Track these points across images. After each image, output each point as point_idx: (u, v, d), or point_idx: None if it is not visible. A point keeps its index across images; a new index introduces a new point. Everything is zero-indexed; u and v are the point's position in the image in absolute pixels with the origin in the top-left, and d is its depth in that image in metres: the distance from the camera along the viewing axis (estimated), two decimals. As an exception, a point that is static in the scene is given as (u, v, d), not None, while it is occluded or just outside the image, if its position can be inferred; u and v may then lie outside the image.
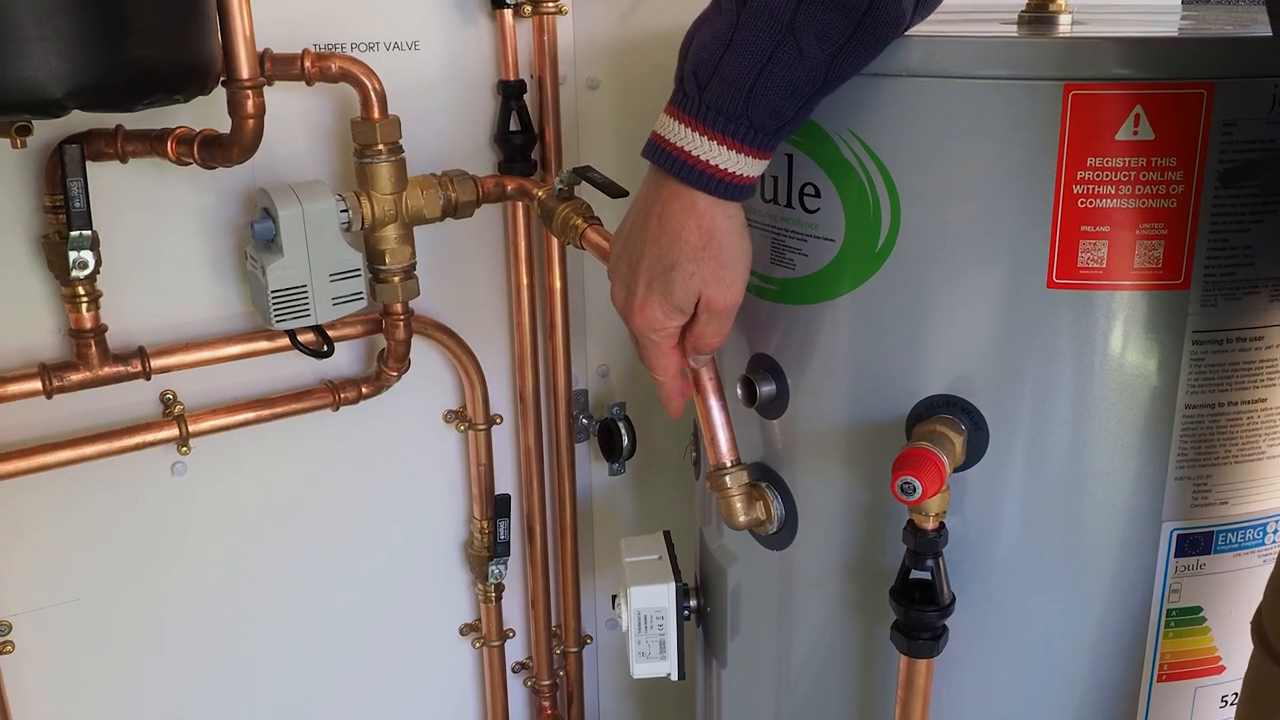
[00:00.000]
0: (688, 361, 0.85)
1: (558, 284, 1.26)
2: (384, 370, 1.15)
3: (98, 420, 1.06)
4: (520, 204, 1.21)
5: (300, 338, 1.09)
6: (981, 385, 0.81)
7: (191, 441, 1.09)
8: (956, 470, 0.82)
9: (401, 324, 1.12)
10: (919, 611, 0.82)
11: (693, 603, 1.11)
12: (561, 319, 1.28)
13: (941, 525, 0.80)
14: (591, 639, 1.42)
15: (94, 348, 1.01)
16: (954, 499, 0.82)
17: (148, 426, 1.07)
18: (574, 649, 1.39)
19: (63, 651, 1.11)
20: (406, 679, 1.33)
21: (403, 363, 1.15)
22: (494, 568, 1.28)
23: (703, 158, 0.73)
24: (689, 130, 0.73)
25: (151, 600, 1.14)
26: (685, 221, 0.76)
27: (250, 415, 1.11)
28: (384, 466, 1.24)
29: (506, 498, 1.27)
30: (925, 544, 0.80)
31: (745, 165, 0.74)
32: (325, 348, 1.09)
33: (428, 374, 1.24)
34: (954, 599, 0.83)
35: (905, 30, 0.76)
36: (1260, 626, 0.71)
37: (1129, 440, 0.81)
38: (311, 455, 1.20)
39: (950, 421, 0.81)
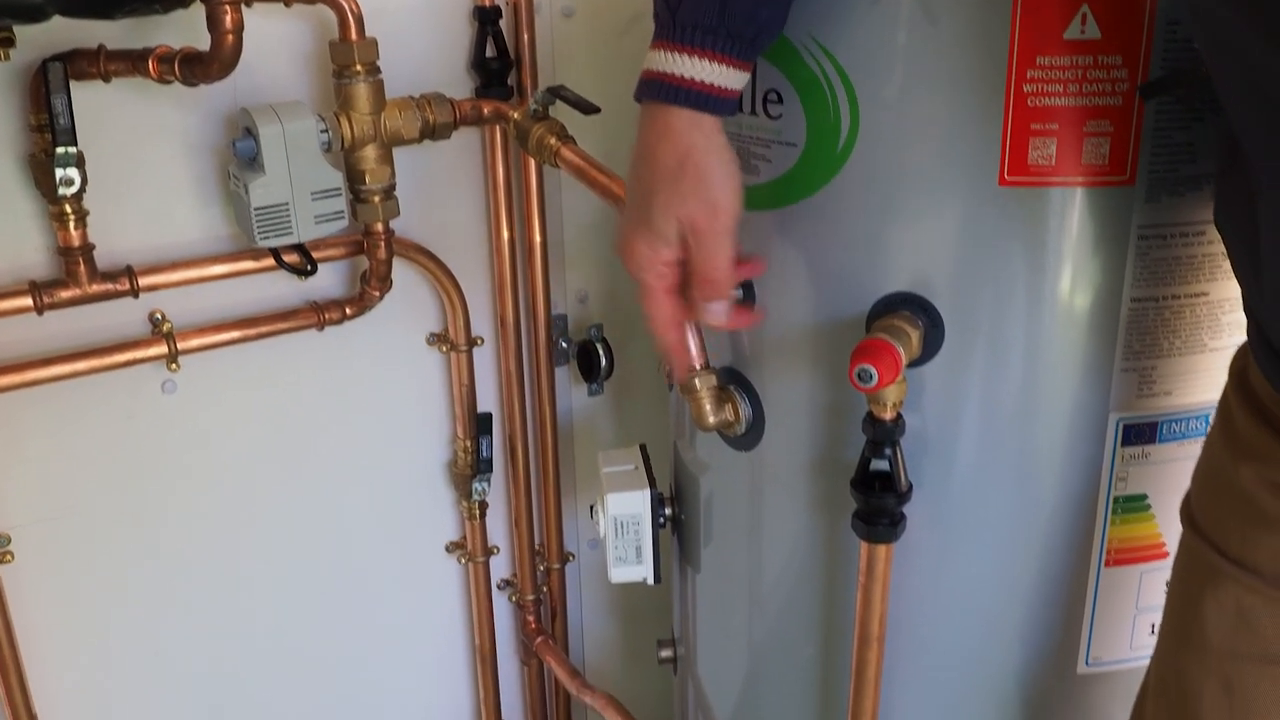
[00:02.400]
0: (698, 315, 0.81)
1: (535, 210, 1.29)
2: (367, 290, 1.19)
3: (89, 339, 1.09)
4: (498, 130, 1.24)
5: (284, 258, 1.12)
6: (937, 282, 0.84)
7: (181, 359, 1.12)
8: (914, 365, 0.85)
9: (383, 244, 1.15)
10: (878, 498, 0.86)
11: (668, 511, 1.15)
12: (540, 245, 1.30)
13: (899, 416, 0.84)
14: (574, 556, 1.47)
15: (83, 265, 1.04)
16: (913, 396, 0.86)
17: (137, 344, 1.10)
18: (557, 566, 1.43)
19: (61, 562, 1.14)
20: (395, 595, 1.37)
21: (385, 282, 1.18)
22: (477, 485, 1.31)
23: (674, 73, 0.75)
24: (666, 53, 0.75)
25: (146, 514, 1.18)
26: (661, 145, 0.76)
27: (237, 334, 1.15)
28: (369, 388, 1.28)
29: (488, 415, 1.31)
30: (883, 433, 0.84)
31: (720, 75, 0.75)
32: (309, 266, 1.12)
33: (410, 297, 1.27)
34: (911, 487, 0.87)
35: None
36: (1188, 508, 0.76)
37: (1077, 333, 0.85)
38: (298, 375, 1.23)
39: (907, 317, 0.84)
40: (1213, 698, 0.71)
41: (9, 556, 1.10)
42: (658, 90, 0.75)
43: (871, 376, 0.78)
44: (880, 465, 0.86)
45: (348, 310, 1.19)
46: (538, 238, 1.30)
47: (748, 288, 0.94)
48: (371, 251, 1.15)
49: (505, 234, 1.28)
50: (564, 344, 1.37)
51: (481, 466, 1.31)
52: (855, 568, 0.90)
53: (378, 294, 1.19)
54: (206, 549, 1.23)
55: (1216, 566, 0.71)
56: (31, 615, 1.13)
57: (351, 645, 1.36)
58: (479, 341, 1.30)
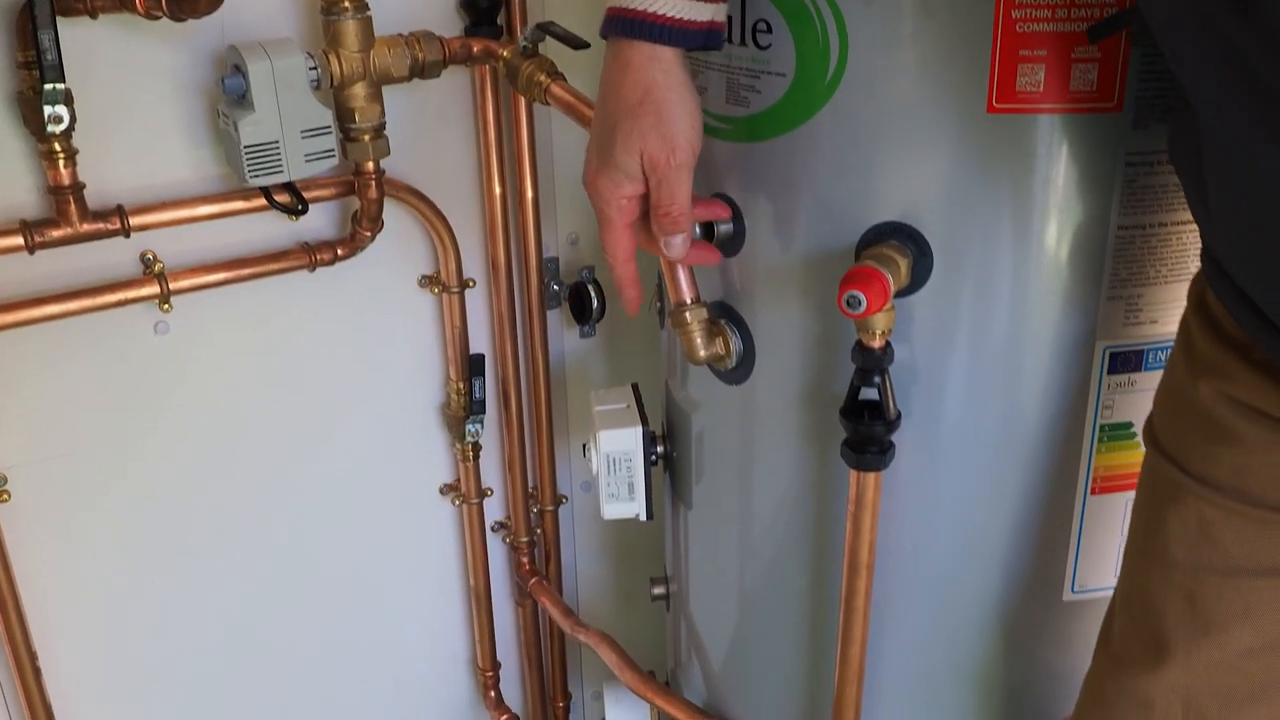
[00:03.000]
0: (659, 248, 0.83)
1: (526, 152, 1.29)
2: (358, 231, 1.19)
3: (81, 279, 1.09)
4: (488, 70, 1.23)
5: (275, 198, 1.12)
6: (926, 211, 0.85)
7: (173, 300, 1.12)
8: (903, 294, 0.86)
9: (373, 183, 1.15)
10: (867, 427, 0.87)
11: (660, 449, 1.16)
12: (531, 187, 1.30)
13: (887, 345, 0.85)
14: (567, 499, 1.48)
15: (73, 204, 1.04)
16: (902, 326, 0.87)
17: (130, 284, 1.10)
18: (550, 508, 1.44)
19: (58, 501, 1.15)
20: (390, 537, 1.39)
21: (376, 223, 1.18)
22: (470, 426, 1.32)
23: (631, 6, 0.76)
24: None
25: (140, 455, 1.19)
26: (623, 80, 0.77)
27: (229, 275, 1.15)
28: (361, 330, 1.28)
29: (481, 357, 1.31)
30: (872, 361, 0.85)
31: (676, 6, 0.76)
32: (299, 205, 1.12)
33: (401, 239, 1.27)
34: (899, 415, 0.88)
35: None
36: (1150, 428, 0.78)
37: (1064, 262, 0.85)
38: (290, 317, 1.23)
39: (896, 246, 0.85)
40: (1177, 611, 0.73)
41: (5, 496, 1.11)
42: (617, 25, 0.77)
43: (860, 303, 0.79)
44: (869, 394, 0.87)
45: (339, 251, 1.20)
46: (528, 180, 1.29)
47: (738, 220, 0.94)
48: (362, 191, 1.15)
49: (496, 175, 1.27)
50: (556, 286, 1.38)
51: (474, 408, 1.31)
52: (845, 498, 0.91)
53: (369, 234, 1.19)
54: (200, 490, 1.24)
55: (1179, 483, 0.72)
56: (29, 554, 1.14)
57: (347, 586, 1.38)
58: (471, 284, 1.30)
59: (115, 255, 1.10)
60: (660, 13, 0.76)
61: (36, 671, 1.16)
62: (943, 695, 1.02)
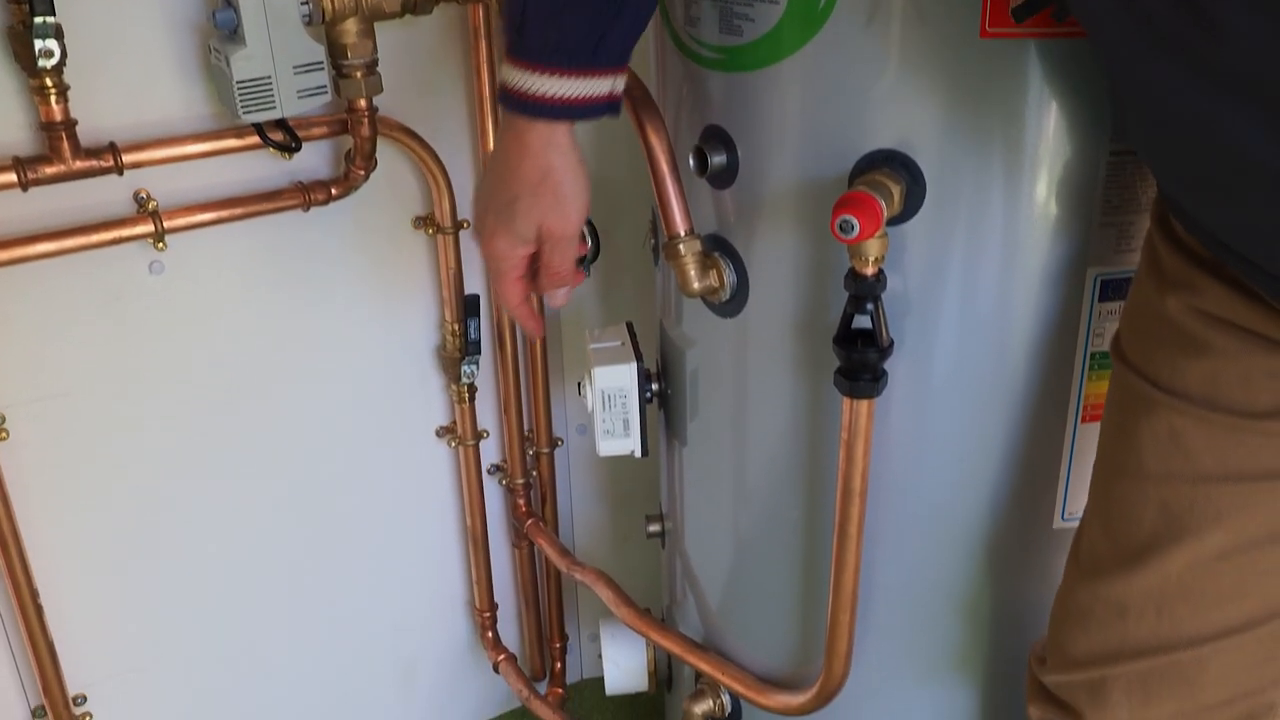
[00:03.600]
0: (544, 296, 0.93)
1: (520, 91, 1.28)
2: (352, 170, 1.18)
3: (75, 218, 1.09)
4: (480, 8, 1.23)
5: (269, 135, 1.11)
6: (918, 139, 0.85)
7: (168, 239, 1.12)
8: (896, 222, 0.86)
9: (366, 120, 1.14)
10: (860, 354, 0.87)
11: (655, 386, 1.17)
12: (525, 129, 1.30)
13: (880, 272, 0.85)
14: (563, 441, 1.49)
15: (65, 141, 1.03)
16: (895, 255, 0.87)
17: (124, 222, 1.10)
18: (546, 450, 1.45)
19: (56, 441, 1.16)
20: (387, 479, 1.40)
21: (369, 161, 1.18)
22: (466, 367, 1.33)
23: (526, 89, 0.79)
24: (516, 70, 0.80)
25: (137, 394, 1.19)
26: (523, 159, 0.83)
27: (223, 213, 1.15)
28: (356, 271, 1.28)
29: (475, 298, 1.32)
30: (865, 288, 0.85)
31: (572, 87, 0.79)
32: (293, 143, 1.12)
33: (396, 180, 1.27)
34: (892, 342, 0.88)
35: None
36: (1118, 344, 0.80)
37: (1057, 189, 0.86)
38: (285, 257, 1.23)
39: (889, 173, 0.85)
40: (1151, 520, 0.75)
41: (4, 434, 1.12)
42: (514, 104, 0.81)
43: (853, 227, 0.79)
44: (862, 322, 0.88)
45: (333, 191, 1.19)
46: (522, 121, 1.29)
47: (730, 151, 0.94)
48: (355, 129, 1.15)
49: (489, 115, 1.27)
50: (550, 229, 1.37)
51: (470, 349, 1.32)
52: (839, 428, 0.92)
53: (362, 173, 1.19)
54: (197, 429, 1.24)
55: (1149, 396, 0.74)
56: (30, 493, 1.15)
57: (343, 528, 1.39)
58: (465, 224, 1.30)
59: (109, 194, 1.10)
60: (558, 95, 0.79)
61: (39, 609, 1.17)
62: (932, 622, 1.03)
